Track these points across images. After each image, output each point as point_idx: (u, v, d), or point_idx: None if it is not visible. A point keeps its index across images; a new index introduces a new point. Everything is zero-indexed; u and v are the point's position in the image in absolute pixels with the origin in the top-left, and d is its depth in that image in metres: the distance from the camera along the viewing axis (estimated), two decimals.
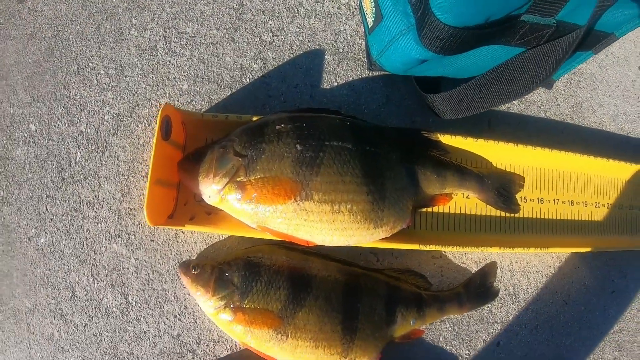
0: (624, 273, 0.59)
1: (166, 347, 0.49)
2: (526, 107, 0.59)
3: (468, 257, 0.54)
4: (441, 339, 0.52)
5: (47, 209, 0.52)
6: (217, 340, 0.50)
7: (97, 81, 0.54)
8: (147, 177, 0.46)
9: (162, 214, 0.46)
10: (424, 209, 0.50)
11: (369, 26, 0.49)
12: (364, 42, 0.56)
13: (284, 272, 0.44)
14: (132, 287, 0.50)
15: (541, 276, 0.56)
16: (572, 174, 0.56)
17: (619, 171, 0.58)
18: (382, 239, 0.44)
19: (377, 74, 0.56)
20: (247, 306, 0.43)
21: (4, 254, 0.51)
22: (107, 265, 0.50)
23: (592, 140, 0.61)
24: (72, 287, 0.50)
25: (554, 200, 0.55)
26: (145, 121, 0.53)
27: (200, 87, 0.54)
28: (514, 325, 0.54)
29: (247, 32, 0.56)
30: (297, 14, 0.56)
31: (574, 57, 0.51)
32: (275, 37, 0.56)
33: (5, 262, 0.51)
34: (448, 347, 0.52)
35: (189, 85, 0.54)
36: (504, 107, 0.58)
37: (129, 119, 0.53)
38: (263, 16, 0.56)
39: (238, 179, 0.42)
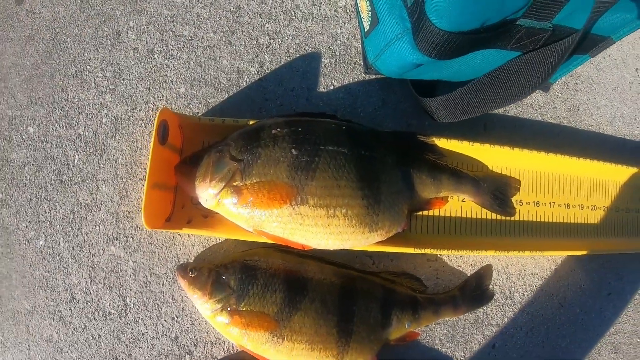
0: (620, 275, 0.59)
1: (164, 349, 0.50)
2: (522, 110, 0.59)
3: (463, 260, 0.54)
4: (437, 342, 0.53)
5: (45, 212, 0.52)
6: (214, 343, 0.50)
7: (95, 84, 0.54)
8: (144, 180, 0.46)
9: (159, 217, 0.46)
10: (420, 213, 0.51)
11: (365, 30, 0.49)
12: (360, 46, 0.56)
13: (280, 275, 0.44)
14: (130, 290, 0.50)
15: (537, 279, 0.56)
16: (568, 177, 0.56)
17: (616, 174, 0.58)
18: (378, 242, 0.45)
19: (374, 77, 0.56)
20: (244, 309, 0.43)
21: (3, 256, 0.52)
22: (106, 267, 0.51)
23: (589, 143, 0.61)
24: (71, 289, 0.51)
25: (549, 203, 0.55)
26: (142, 124, 0.53)
27: (197, 91, 0.54)
28: (509, 328, 0.55)
29: (244, 35, 0.56)
30: (293, 17, 0.56)
31: (570, 60, 0.51)
32: (272, 40, 0.56)
33: (4, 264, 0.52)
34: (443, 350, 0.53)
35: (186, 89, 0.54)
36: (500, 110, 0.58)
37: (127, 122, 0.53)
38: (260, 19, 0.56)
39: (234, 183, 0.42)
